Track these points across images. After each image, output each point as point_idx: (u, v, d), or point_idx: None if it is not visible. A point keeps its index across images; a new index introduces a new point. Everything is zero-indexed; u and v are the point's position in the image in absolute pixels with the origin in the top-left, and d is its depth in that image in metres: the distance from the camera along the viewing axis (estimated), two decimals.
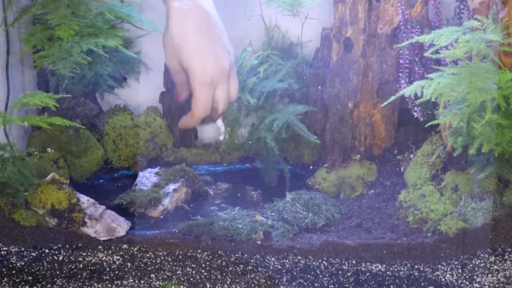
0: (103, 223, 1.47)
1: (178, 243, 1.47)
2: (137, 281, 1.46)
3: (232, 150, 1.89)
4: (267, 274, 1.45)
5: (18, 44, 1.78)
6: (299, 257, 1.46)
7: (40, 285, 1.46)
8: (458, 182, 1.54)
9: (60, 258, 1.46)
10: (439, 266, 1.44)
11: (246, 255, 1.46)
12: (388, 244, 1.45)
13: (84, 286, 1.46)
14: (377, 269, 1.45)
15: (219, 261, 1.46)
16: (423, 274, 1.44)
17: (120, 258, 1.46)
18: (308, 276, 1.45)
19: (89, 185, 1.78)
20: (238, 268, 1.45)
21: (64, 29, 1.54)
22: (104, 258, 1.46)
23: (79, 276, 1.46)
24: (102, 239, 1.47)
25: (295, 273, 1.45)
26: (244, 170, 1.89)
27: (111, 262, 1.46)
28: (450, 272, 1.44)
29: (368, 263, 1.45)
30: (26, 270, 1.46)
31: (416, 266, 1.44)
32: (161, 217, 1.63)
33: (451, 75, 1.43)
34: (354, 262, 1.45)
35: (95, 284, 1.46)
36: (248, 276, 1.45)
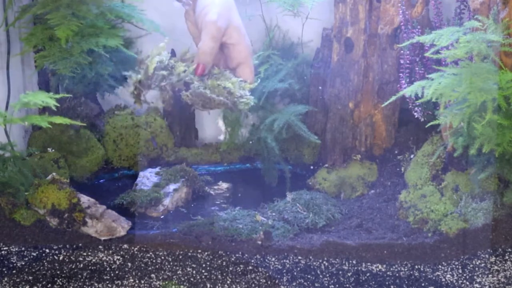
0: (104, 222, 1.47)
1: (179, 243, 1.47)
2: (137, 281, 1.46)
3: (233, 150, 1.89)
4: (267, 274, 1.45)
5: (19, 43, 1.78)
6: (299, 257, 1.46)
7: (40, 284, 1.46)
8: (458, 182, 1.54)
9: (61, 257, 1.47)
10: (440, 266, 1.44)
11: (246, 255, 1.46)
12: (388, 244, 1.45)
13: (85, 286, 1.46)
14: (378, 269, 1.45)
15: (219, 261, 1.46)
16: (424, 274, 1.44)
17: (121, 258, 1.46)
18: (309, 276, 1.45)
19: (89, 185, 1.78)
20: (238, 268, 1.45)
21: (63, 29, 1.54)
22: (105, 257, 1.46)
23: (79, 276, 1.46)
24: (102, 238, 1.47)
25: (295, 273, 1.45)
26: (245, 170, 1.88)
27: (112, 262, 1.46)
28: (450, 273, 1.44)
29: (369, 263, 1.45)
30: (26, 269, 1.46)
31: (416, 266, 1.44)
32: (162, 217, 1.63)
33: (452, 75, 1.43)
34: (354, 262, 1.45)
35: (96, 284, 1.46)
36: (249, 276, 1.45)
